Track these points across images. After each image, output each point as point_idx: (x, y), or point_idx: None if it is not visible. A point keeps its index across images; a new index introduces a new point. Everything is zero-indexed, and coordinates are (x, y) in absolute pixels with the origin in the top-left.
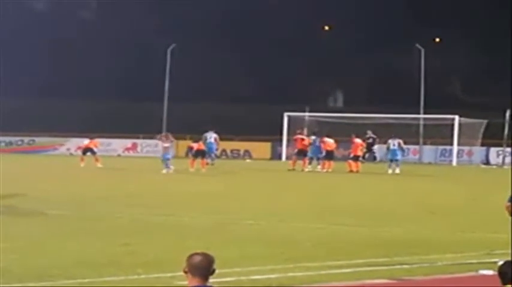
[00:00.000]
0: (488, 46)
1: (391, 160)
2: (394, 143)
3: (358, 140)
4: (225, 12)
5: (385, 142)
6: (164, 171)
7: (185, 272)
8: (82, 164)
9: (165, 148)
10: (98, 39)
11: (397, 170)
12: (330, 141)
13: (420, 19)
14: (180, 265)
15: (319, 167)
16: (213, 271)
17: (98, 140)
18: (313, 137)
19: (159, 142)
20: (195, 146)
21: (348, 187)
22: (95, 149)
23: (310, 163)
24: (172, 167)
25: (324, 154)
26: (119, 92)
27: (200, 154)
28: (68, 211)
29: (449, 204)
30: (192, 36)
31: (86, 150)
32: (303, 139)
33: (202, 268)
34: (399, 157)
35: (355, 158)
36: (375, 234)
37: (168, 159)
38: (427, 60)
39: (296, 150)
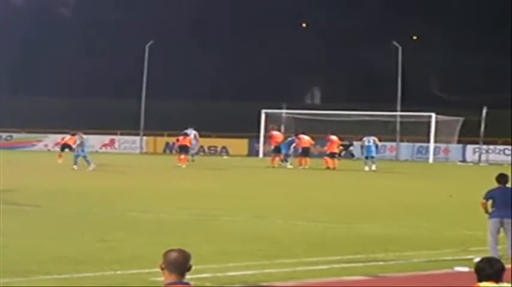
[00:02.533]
0: (465, 44)
1: (367, 157)
2: (369, 140)
3: (334, 137)
4: (203, 10)
5: (361, 139)
6: (75, 167)
7: (162, 268)
8: (60, 161)
9: (77, 145)
10: (75, 36)
11: (374, 167)
12: (305, 139)
13: (398, 16)
14: (157, 262)
15: (288, 163)
16: (190, 267)
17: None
18: (292, 137)
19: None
20: (180, 139)
21: (325, 184)
22: (74, 146)
23: (286, 160)
24: (76, 166)
25: (299, 151)
26: (97, 88)
27: (183, 149)
28: (45, 206)
29: (425, 201)
30: (170, 33)
31: (64, 146)
32: (277, 136)
33: (179, 264)
34: (374, 153)
35: (332, 155)
36: (351, 231)
37: (77, 156)
38: (405, 57)
39: (272, 147)
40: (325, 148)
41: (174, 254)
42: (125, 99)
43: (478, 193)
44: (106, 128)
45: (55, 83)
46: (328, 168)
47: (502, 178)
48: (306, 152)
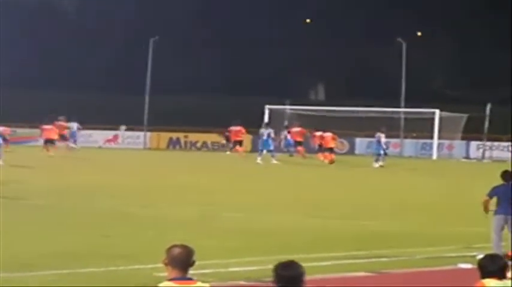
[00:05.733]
0: (469, 41)
1: (379, 154)
2: (381, 136)
3: (327, 134)
4: (207, 5)
5: (367, 136)
6: None
7: (165, 264)
8: (51, 153)
9: None
10: (81, 31)
11: (380, 163)
12: (296, 130)
13: (402, 13)
14: (160, 257)
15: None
16: (193, 262)
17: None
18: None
19: None
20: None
21: (327, 180)
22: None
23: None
24: None
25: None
26: (101, 84)
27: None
28: (48, 201)
29: (429, 198)
30: (174, 28)
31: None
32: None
33: (182, 259)
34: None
35: (329, 150)
36: (354, 227)
37: None
38: (409, 54)
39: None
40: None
41: (177, 250)
42: (128, 95)
43: (481, 189)
44: (110, 123)
45: (58, 78)
46: (331, 162)
47: (506, 175)
48: (298, 144)
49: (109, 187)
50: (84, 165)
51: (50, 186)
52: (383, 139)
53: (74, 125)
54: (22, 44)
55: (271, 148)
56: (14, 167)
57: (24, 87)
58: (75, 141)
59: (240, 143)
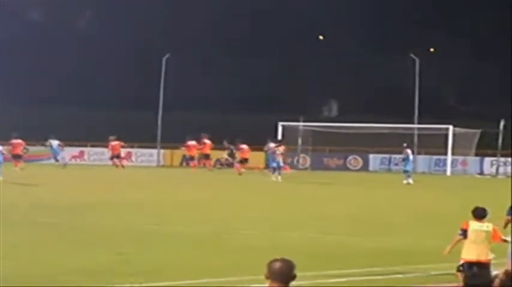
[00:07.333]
0: (482, 56)
1: (406, 171)
2: (409, 152)
3: (244, 146)
4: (219, 22)
5: (380, 152)
6: None
7: (266, 277)
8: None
9: None
10: (93, 49)
11: (410, 180)
12: (244, 148)
13: (415, 29)
14: (175, 274)
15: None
16: (294, 276)
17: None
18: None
19: None
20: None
21: (340, 196)
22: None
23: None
24: None
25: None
26: (113, 101)
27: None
28: (59, 219)
29: (443, 213)
30: (187, 46)
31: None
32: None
33: (283, 274)
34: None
35: (243, 161)
36: (368, 243)
37: None
38: (422, 70)
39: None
40: (342, 161)
41: (278, 264)
42: (141, 112)
43: (495, 205)
44: (123, 141)
45: (70, 96)
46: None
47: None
48: (244, 162)
49: (122, 204)
50: (96, 183)
51: (61, 204)
52: (411, 156)
53: (54, 143)
54: (35, 61)
55: (272, 164)
56: (24, 186)
57: (38, 105)
58: (56, 159)
59: (207, 156)
